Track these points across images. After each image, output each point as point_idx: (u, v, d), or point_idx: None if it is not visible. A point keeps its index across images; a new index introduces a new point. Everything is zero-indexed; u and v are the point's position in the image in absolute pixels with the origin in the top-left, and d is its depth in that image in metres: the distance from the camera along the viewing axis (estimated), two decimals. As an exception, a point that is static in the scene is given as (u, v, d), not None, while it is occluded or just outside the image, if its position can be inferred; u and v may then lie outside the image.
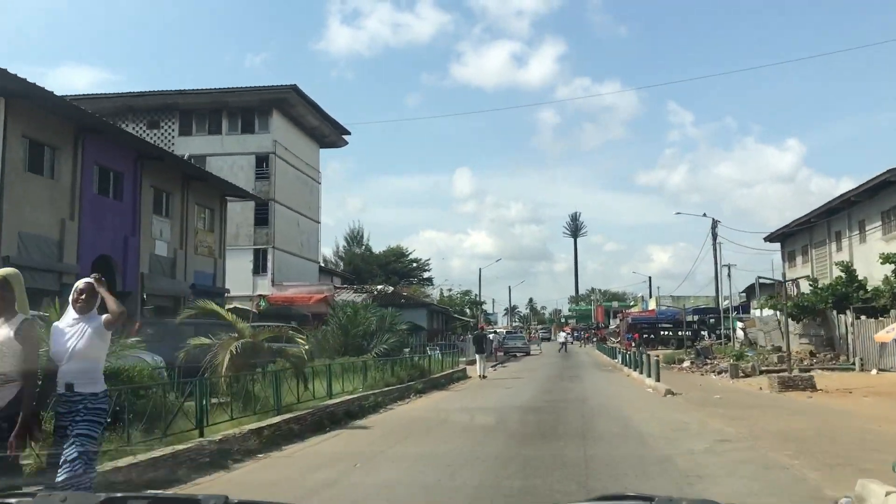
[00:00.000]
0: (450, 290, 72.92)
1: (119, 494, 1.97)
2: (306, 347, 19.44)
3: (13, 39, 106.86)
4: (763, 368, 25.21)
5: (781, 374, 19.72)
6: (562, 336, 61.54)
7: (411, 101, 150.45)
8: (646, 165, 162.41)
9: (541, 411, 13.08)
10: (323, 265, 76.97)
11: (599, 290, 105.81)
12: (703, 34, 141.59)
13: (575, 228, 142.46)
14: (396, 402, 15.77)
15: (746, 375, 24.60)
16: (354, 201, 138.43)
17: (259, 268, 39.83)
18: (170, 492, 4.39)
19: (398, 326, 20.60)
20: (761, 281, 30.02)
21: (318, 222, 47.06)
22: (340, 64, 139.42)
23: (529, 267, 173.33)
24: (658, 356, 25.11)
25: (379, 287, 52.82)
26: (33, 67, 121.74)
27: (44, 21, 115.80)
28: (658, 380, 18.56)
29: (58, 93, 20.24)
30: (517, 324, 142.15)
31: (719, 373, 26.37)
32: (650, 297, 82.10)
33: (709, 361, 29.61)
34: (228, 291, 32.79)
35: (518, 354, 47.74)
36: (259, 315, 33.49)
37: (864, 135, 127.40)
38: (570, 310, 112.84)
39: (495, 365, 37.55)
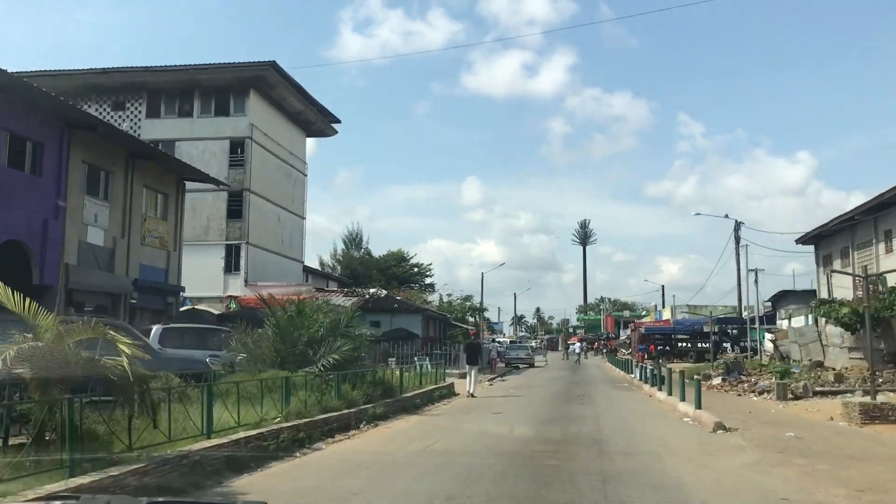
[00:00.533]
0: (449, 295, 68.03)
1: (161, 499, 2.38)
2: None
3: (16, 48, 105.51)
4: (818, 389, 20.16)
5: (861, 399, 14.73)
6: (577, 347, 56.66)
7: (421, 109, 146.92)
8: (655, 177, 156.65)
9: (532, 466, 8.18)
10: (319, 269, 72.62)
11: (609, 300, 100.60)
12: (715, 46, 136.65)
13: (584, 236, 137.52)
14: (334, 437, 10.92)
15: (797, 397, 19.56)
16: (364, 210, 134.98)
17: (231, 266, 35.10)
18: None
19: (357, 330, 15.72)
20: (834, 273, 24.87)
21: (304, 218, 42.34)
22: (352, 72, 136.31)
23: (538, 277, 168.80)
24: (682, 371, 20.22)
25: (371, 290, 48.13)
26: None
27: (48, 30, 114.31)
28: (699, 406, 13.57)
29: None
30: (524, 333, 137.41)
31: (761, 393, 21.32)
32: (663, 306, 76.96)
33: (743, 378, 24.54)
34: (184, 290, 28.06)
35: (521, 366, 42.82)
36: (219, 318, 28.73)
37: (875, 149, 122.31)
38: (578, 319, 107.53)
39: (493, 378, 32.62)
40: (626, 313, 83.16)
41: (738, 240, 46.68)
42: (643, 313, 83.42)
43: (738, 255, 46.59)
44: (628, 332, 74.11)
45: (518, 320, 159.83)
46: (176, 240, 27.74)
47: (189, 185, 31.35)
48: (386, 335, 40.55)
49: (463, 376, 29.99)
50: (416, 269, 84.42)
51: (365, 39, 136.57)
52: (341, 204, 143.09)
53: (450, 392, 21.12)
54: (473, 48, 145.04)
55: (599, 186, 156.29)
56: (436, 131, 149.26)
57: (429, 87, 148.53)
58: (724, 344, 41.93)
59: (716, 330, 43.66)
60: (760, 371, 25.47)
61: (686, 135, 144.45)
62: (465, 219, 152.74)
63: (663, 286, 79.84)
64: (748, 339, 38.51)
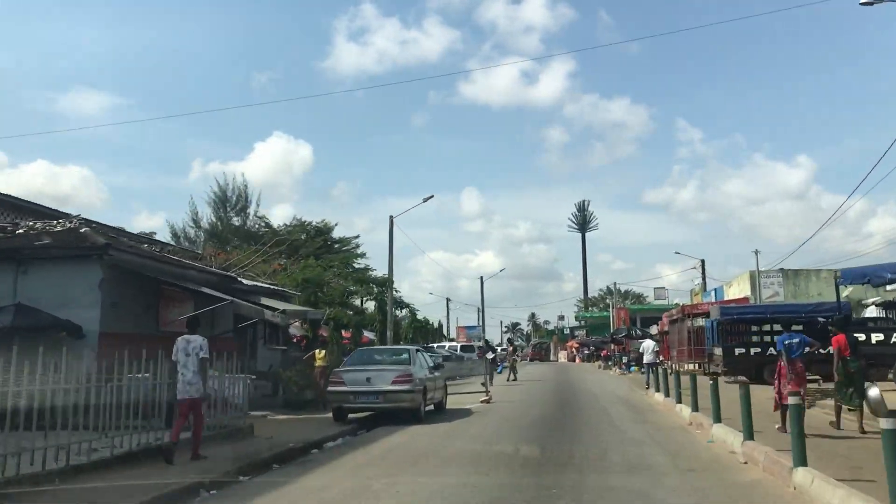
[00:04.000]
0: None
1: None
2: None
3: (22, 65, 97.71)
4: None
5: None
6: (648, 351, 22.36)
7: (418, 119, 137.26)
8: (653, 184, 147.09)
9: None
10: (172, 244, 43.07)
11: (618, 289, 70.13)
12: (714, 52, 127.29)
13: (583, 221, 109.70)
14: None
15: None
16: (362, 222, 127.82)
17: None
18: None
19: None
20: None
21: None
22: (347, 82, 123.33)
23: (538, 287, 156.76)
24: None
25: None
26: (43, 92, 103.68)
27: (53, 47, 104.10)
28: None
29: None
30: (520, 342, 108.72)
31: None
32: (704, 288, 46.98)
33: None
34: None
35: (405, 416, 12.92)
36: None
37: (870, 151, 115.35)
38: (577, 317, 77.31)
39: None
40: (658, 296, 52.21)
41: None
42: (675, 302, 53.29)
43: None
44: (655, 328, 44.12)
45: (513, 327, 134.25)
46: None
47: None
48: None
49: None
50: (336, 245, 55.11)
51: (360, 49, 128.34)
52: (339, 215, 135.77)
53: None
54: (471, 56, 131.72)
55: (598, 194, 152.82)
56: (433, 142, 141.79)
57: (426, 96, 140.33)
58: None
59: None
60: None
61: (685, 141, 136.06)
62: (464, 229, 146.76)
63: (703, 261, 50.06)
64: None
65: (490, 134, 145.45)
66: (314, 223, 54.96)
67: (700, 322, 29.02)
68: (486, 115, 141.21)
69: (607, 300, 74.53)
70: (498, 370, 35.29)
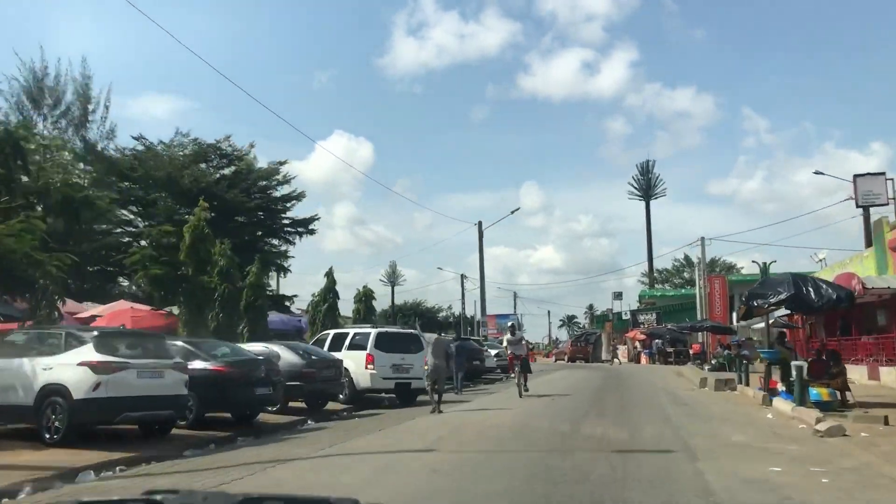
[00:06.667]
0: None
1: (255, 495, 2.05)
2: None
3: (100, 70, 73.42)
4: None
5: None
6: None
7: (477, 113, 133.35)
8: (719, 174, 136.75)
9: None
10: None
11: (704, 258, 46.50)
12: (780, 40, 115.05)
13: (647, 186, 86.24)
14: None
15: None
16: (423, 218, 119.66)
17: None
18: (302, 494, 4.41)
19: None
20: None
21: None
22: (406, 79, 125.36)
23: (599, 281, 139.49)
24: None
25: None
26: (114, 97, 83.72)
27: (122, 54, 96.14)
28: None
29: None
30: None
31: None
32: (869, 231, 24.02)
33: None
34: None
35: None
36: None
37: None
38: (641, 297, 54.06)
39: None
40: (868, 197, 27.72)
41: None
42: (819, 260, 30.30)
43: None
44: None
45: (569, 320, 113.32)
46: None
47: None
48: None
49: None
50: (251, 180, 34.96)
51: (419, 43, 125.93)
52: (400, 213, 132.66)
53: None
54: (532, 48, 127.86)
55: (661, 186, 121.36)
56: (493, 136, 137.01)
57: (485, 90, 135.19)
58: None
59: None
60: None
61: (751, 130, 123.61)
62: (524, 224, 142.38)
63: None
64: None
65: (550, 127, 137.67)
66: (216, 142, 34.52)
67: None
68: (546, 108, 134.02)
69: (685, 273, 51.31)
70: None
